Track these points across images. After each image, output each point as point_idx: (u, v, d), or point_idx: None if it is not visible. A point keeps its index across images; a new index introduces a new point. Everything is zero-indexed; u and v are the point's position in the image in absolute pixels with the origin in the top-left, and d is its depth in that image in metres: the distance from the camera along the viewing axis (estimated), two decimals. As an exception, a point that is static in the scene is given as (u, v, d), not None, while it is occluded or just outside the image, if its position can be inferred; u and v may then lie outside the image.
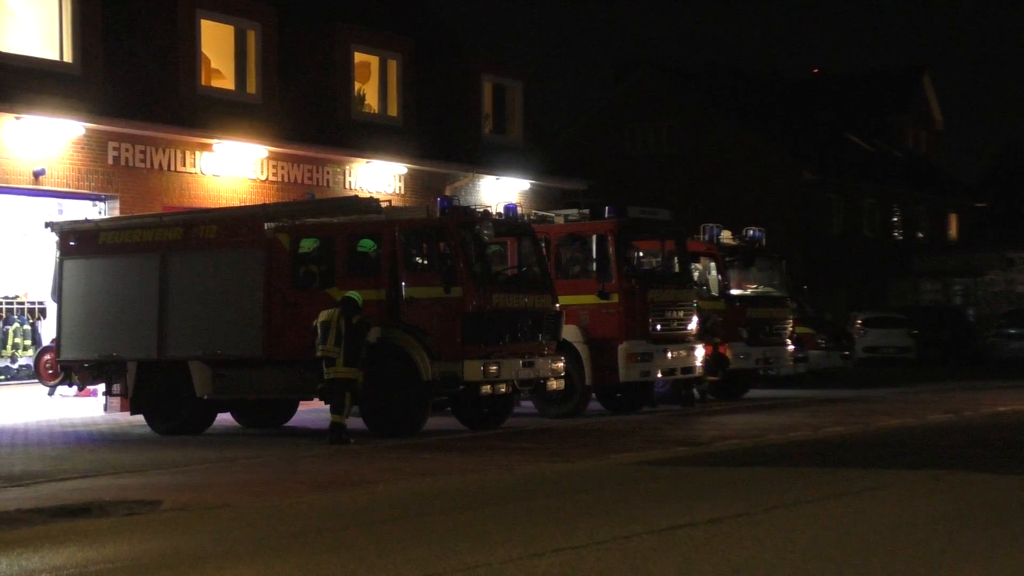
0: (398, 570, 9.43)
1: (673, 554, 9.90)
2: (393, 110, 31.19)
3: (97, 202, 25.35)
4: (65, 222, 23.38)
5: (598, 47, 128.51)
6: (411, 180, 31.06)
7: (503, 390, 20.20)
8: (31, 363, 26.38)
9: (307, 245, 20.96)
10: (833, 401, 26.76)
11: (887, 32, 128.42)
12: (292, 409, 22.82)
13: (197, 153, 26.60)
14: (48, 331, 26.15)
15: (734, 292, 27.27)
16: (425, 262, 20.25)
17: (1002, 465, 15.19)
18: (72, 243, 22.41)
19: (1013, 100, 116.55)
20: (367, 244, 20.52)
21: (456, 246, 19.66)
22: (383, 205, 20.78)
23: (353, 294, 19.30)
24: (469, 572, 9.33)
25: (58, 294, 22.50)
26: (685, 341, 24.00)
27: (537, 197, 33.51)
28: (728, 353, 26.59)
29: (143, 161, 25.70)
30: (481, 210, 21.46)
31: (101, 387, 23.64)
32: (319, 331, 19.01)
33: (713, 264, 27.30)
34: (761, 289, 28.31)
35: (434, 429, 20.52)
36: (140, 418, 21.77)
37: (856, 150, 56.67)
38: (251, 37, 28.09)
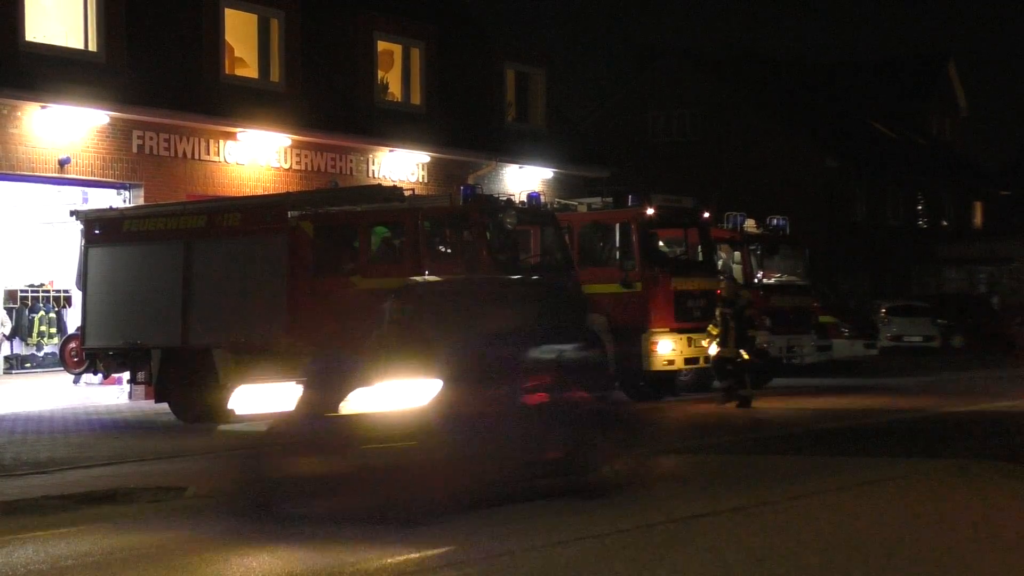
0: (420, 560, 9.44)
1: (697, 542, 9.90)
2: (416, 98, 31.19)
3: (121, 190, 25.41)
4: (90, 210, 23.47)
5: (621, 34, 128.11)
6: (434, 168, 31.06)
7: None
8: (56, 351, 26.54)
9: (331, 233, 20.96)
10: (857, 390, 26.66)
11: (912, 19, 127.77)
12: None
13: (221, 141, 26.65)
14: (73, 319, 26.28)
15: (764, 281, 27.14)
16: (448, 250, 20.23)
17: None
18: (97, 231, 22.48)
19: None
20: (389, 232, 20.51)
21: (479, 234, 19.64)
22: (406, 193, 20.78)
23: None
24: (491, 561, 9.33)
25: (83, 282, 22.59)
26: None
27: (560, 185, 33.47)
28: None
29: (167, 149, 25.74)
30: (504, 198, 21.44)
31: (126, 375, 23.74)
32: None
33: (737, 253, 27.21)
34: (785, 277, 28.21)
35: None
36: (165, 406, 21.84)
37: (880, 137, 56.36)
38: (274, 25, 28.12)
